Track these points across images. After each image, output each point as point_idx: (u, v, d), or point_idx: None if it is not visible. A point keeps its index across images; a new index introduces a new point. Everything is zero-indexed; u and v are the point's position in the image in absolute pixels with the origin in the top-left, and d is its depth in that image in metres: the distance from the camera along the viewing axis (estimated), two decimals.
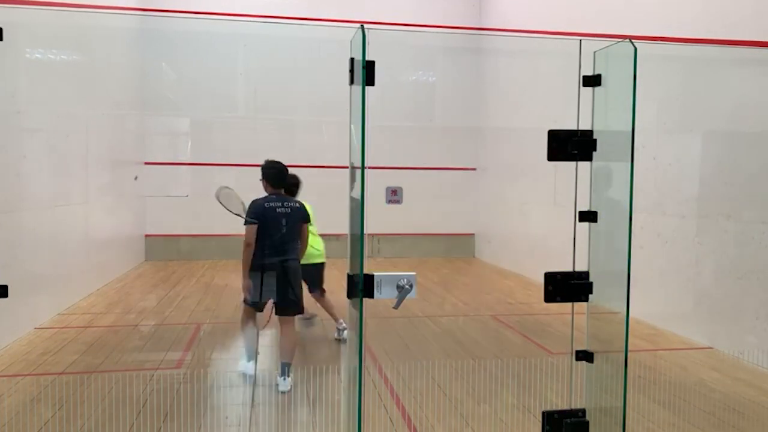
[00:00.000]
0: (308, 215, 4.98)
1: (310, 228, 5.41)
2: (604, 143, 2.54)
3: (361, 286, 2.26)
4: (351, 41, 2.27)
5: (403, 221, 12.12)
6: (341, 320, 6.03)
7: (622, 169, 2.50)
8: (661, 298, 6.68)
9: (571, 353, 2.69)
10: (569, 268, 2.57)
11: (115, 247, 9.76)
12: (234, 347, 6.13)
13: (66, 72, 8.04)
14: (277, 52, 12.10)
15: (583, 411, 2.67)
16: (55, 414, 4.12)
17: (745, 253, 5.56)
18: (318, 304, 6.10)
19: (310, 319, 6.31)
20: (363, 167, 2.20)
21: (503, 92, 11.73)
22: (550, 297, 2.54)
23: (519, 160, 10.61)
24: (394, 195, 10.83)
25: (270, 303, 4.74)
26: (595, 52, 2.58)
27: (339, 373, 5.15)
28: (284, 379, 4.67)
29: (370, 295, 2.28)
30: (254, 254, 4.67)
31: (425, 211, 12.36)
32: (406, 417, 4.19)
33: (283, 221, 4.71)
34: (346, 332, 6.03)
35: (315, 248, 5.85)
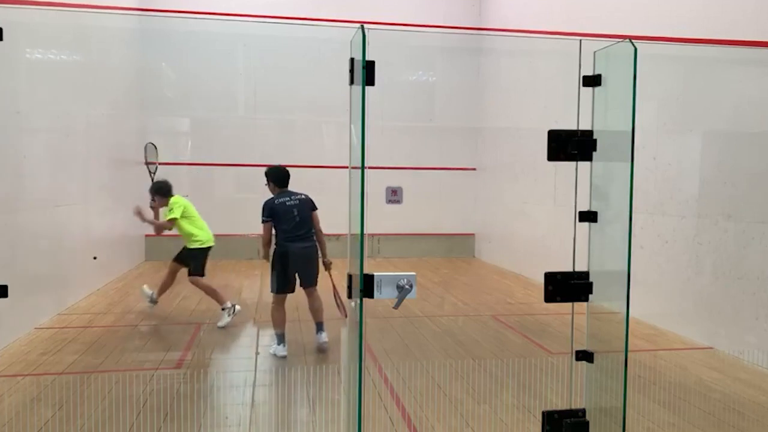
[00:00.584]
0: (315, 204, 5.61)
1: (192, 218, 6.67)
2: (604, 143, 2.54)
3: (361, 286, 2.26)
4: (351, 41, 2.27)
5: (403, 221, 12.13)
6: (227, 302, 6.67)
7: (622, 169, 2.50)
8: (661, 298, 6.68)
9: (571, 353, 2.69)
10: (569, 268, 2.57)
11: (115, 247, 9.77)
12: (234, 347, 6.13)
13: (66, 72, 8.03)
14: (277, 52, 12.10)
15: (583, 411, 2.67)
16: (55, 414, 4.12)
17: (745, 253, 5.56)
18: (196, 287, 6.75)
19: (229, 308, 6.79)
20: (363, 167, 2.20)
21: (503, 92, 11.73)
22: (550, 297, 2.54)
23: (519, 160, 10.61)
24: (394, 195, 10.84)
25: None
26: (595, 52, 2.58)
27: (339, 373, 5.15)
28: (321, 335, 5.68)
29: (370, 295, 2.27)
30: (276, 244, 5.41)
31: (425, 211, 12.38)
32: (406, 417, 4.19)
33: (295, 211, 5.42)
34: (226, 320, 6.51)
35: (194, 235, 6.71)
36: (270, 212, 5.43)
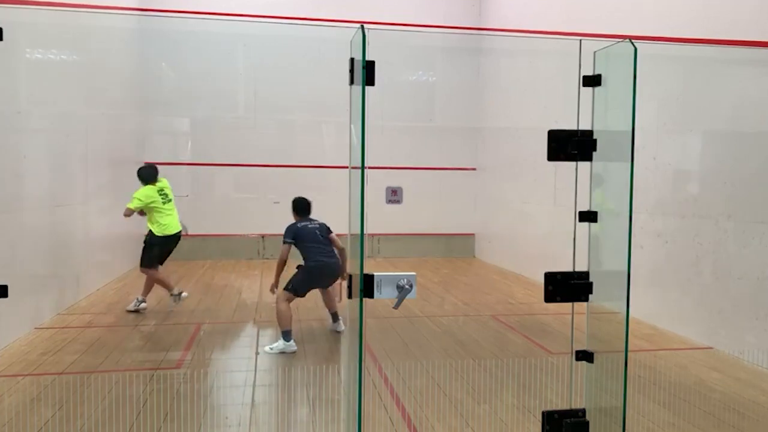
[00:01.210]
0: (329, 228, 6.24)
1: (165, 205, 7.21)
2: (604, 143, 2.54)
3: (361, 286, 2.26)
4: (351, 41, 2.27)
5: (403, 221, 12.13)
6: (175, 289, 7.35)
7: (622, 169, 2.50)
8: (662, 298, 6.68)
9: (571, 353, 2.69)
10: (569, 268, 2.57)
11: (115, 247, 9.76)
12: (234, 347, 6.13)
13: (66, 72, 8.03)
14: (277, 52, 12.10)
15: (583, 411, 2.67)
16: (55, 414, 4.12)
17: (745, 253, 5.56)
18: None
19: (178, 296, 7.42)
20: (363, 167, 2.20)
21: (503, 92, 11.73)
22: (550, 297, 2.54)
23: (519, 160, 10.61)
24: (394, 195, 10.85)
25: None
26: (595, 52, 2.58)
27: (339, 373, 5.15)
28: (338, 323, 6.40)
29: (370, 295, 2.28)
30: (306, 258, 6.05)
31: (425, 211, 12.38)
32: (406, 417, 4.19)
33: (317, 233, 6.13)
34: (138, 303, 7.22)
35: (156, 224, 7.15)
36: (294, 235, 6.06)
